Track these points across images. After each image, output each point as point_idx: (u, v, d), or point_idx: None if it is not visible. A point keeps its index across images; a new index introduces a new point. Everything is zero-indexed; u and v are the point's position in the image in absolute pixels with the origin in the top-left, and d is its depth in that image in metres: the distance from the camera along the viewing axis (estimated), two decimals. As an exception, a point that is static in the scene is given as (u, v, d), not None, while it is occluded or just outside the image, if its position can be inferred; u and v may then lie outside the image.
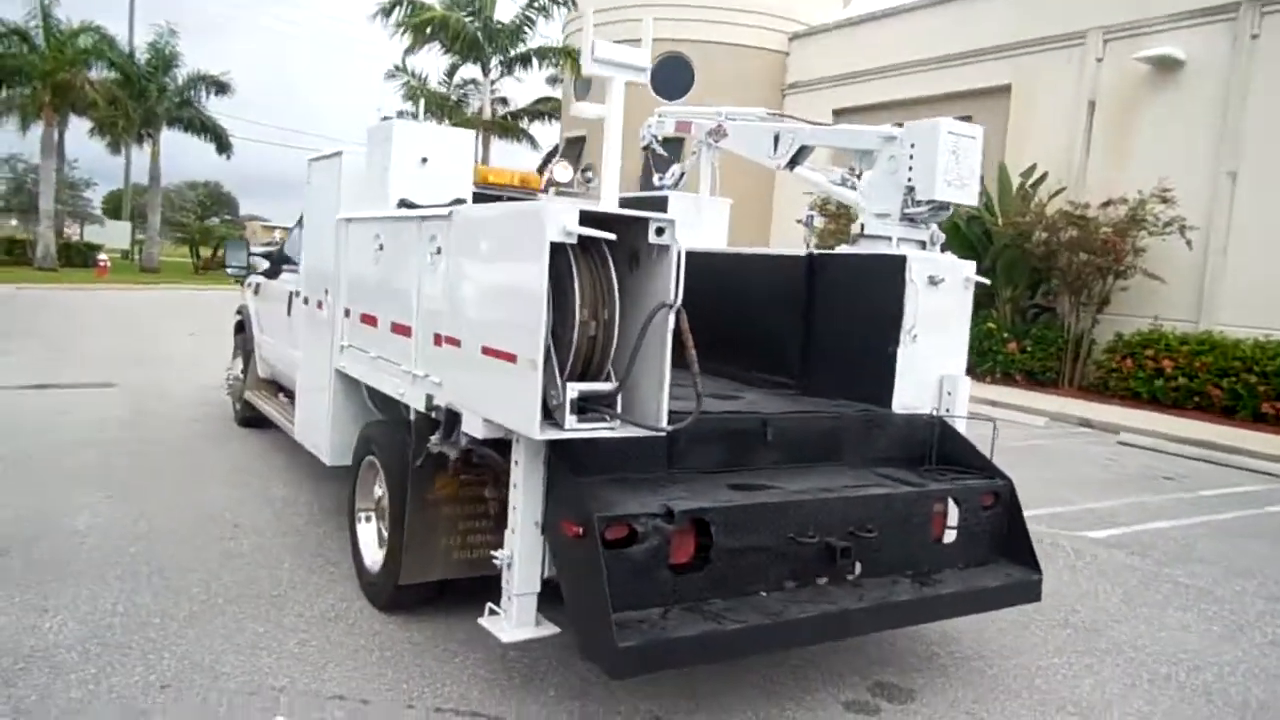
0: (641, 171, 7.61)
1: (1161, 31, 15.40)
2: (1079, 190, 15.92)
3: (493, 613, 3.45)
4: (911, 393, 4.28)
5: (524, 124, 29.82)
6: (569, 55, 20.74)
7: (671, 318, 3.13)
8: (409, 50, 25.23)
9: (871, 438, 4.21)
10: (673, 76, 22.70)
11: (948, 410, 4.34)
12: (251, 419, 8.13)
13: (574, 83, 24.64)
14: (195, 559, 4.88)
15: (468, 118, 26.86)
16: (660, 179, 6.88)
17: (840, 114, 21.71)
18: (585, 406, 3.09)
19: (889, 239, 4.53)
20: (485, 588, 3.62)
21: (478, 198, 4.94)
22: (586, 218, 2.97)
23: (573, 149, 23.12)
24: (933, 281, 4.24)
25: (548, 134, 30.64)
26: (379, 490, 4.52)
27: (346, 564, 4.82)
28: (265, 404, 7.44)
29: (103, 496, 5.89)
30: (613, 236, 3.02)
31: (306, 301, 5.57)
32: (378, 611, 4.32)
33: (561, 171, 6.05)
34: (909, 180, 4.47)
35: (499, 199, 4.98)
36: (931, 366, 4.33)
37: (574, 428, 3.06)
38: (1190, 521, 7.36)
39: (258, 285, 7.95)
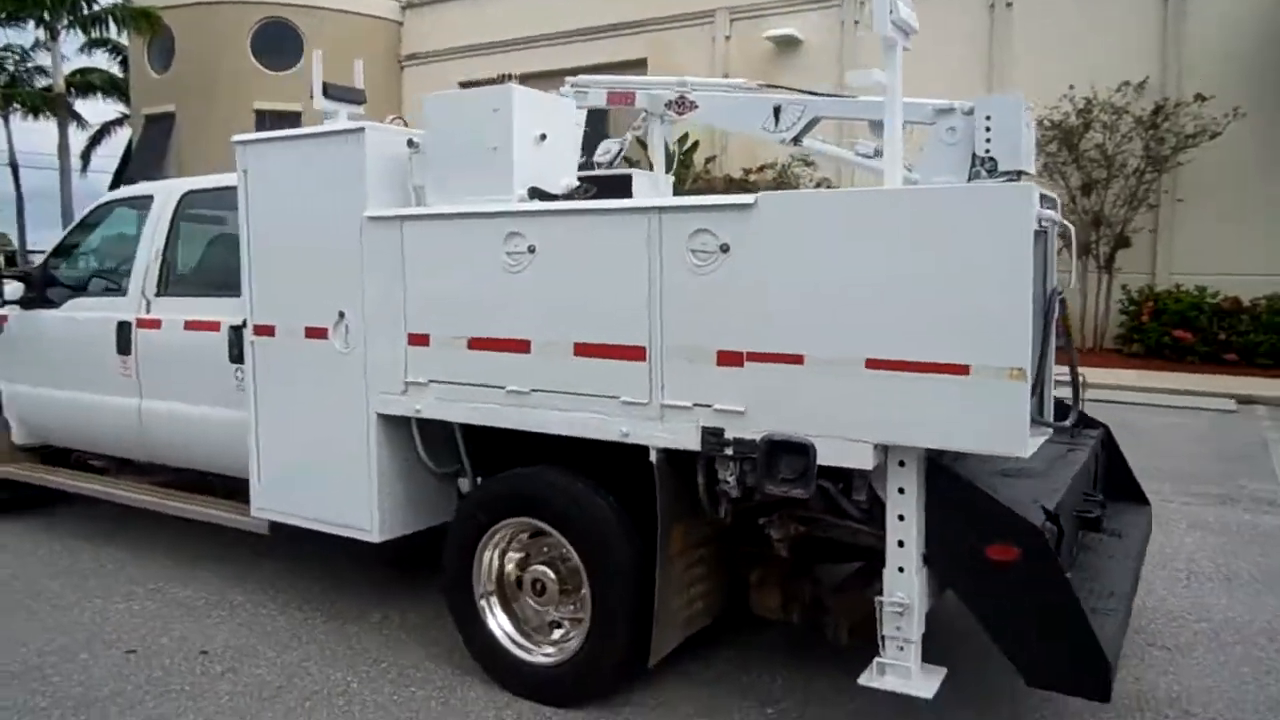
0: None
1: (781, 14, 17.31)
2: (726, 159, 17.41)
3: (883, 669, 2.95)
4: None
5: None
6: (147, 17, 17.40)
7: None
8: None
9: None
10: (278, 44, 20.36)
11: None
12: (9, 500, 5.91)
13: (146, 50, 20.93)
14: None
15: (23, 91, 21.24)
16: (588, 157, 6.18)
17: (469, 87, 21.21)
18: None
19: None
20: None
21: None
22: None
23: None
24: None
25: (98, 110, 25.60)
26: (540, 565, 3.57)
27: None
28: (74, 480, 5.44)
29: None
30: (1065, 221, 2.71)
31: (273, 333, 4.13)
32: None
33: (603, 151, 5.19)
34: (987, 151, 4.55)
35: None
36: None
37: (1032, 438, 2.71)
38: None
39: (2, 323, 5.74)
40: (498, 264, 3.46)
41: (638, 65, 18.89)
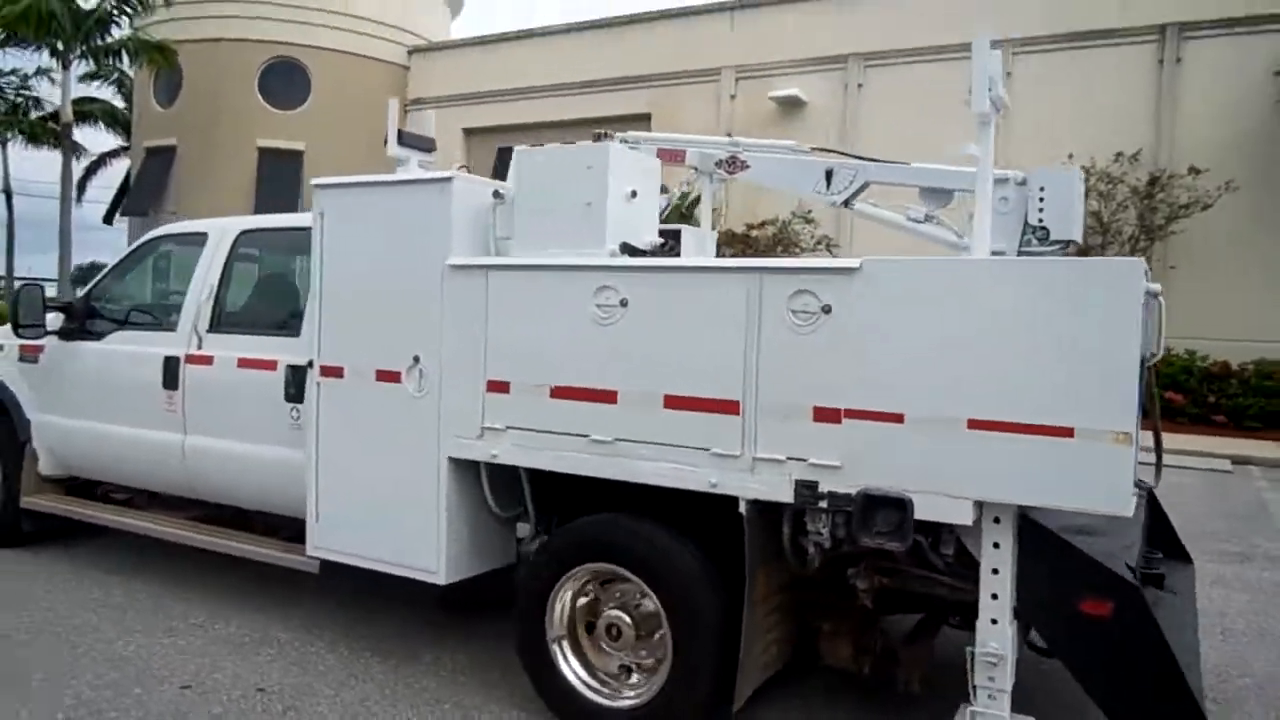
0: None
1: (786, 75, 17.73)
2: (726, 213, 17.65)
3: (975, 717, 2.99)
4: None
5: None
6: (160, 50, 17.51)
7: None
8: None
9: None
10: (285, 83, 20.54)
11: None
12: (33, 532, 5.85)
13: (152, 83, 21.03)
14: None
15: (28, 121, 21.18)
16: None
17: (471, 133, 21.51)
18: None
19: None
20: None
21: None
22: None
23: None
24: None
25: (95, 140, 25.61)
26: (615, 610, 3.59)
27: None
28: (115, 515, 5.40)
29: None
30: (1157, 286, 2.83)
31: (341, 374, 4.15)
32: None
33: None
34: (1040, 221, 4.70)
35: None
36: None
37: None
38: None
39: (37, 353, 5.71)
40: (586, 316, 3.52)
41: (641, 120, 19.24)
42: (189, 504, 5.53)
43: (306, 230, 4.87)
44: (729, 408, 3.27)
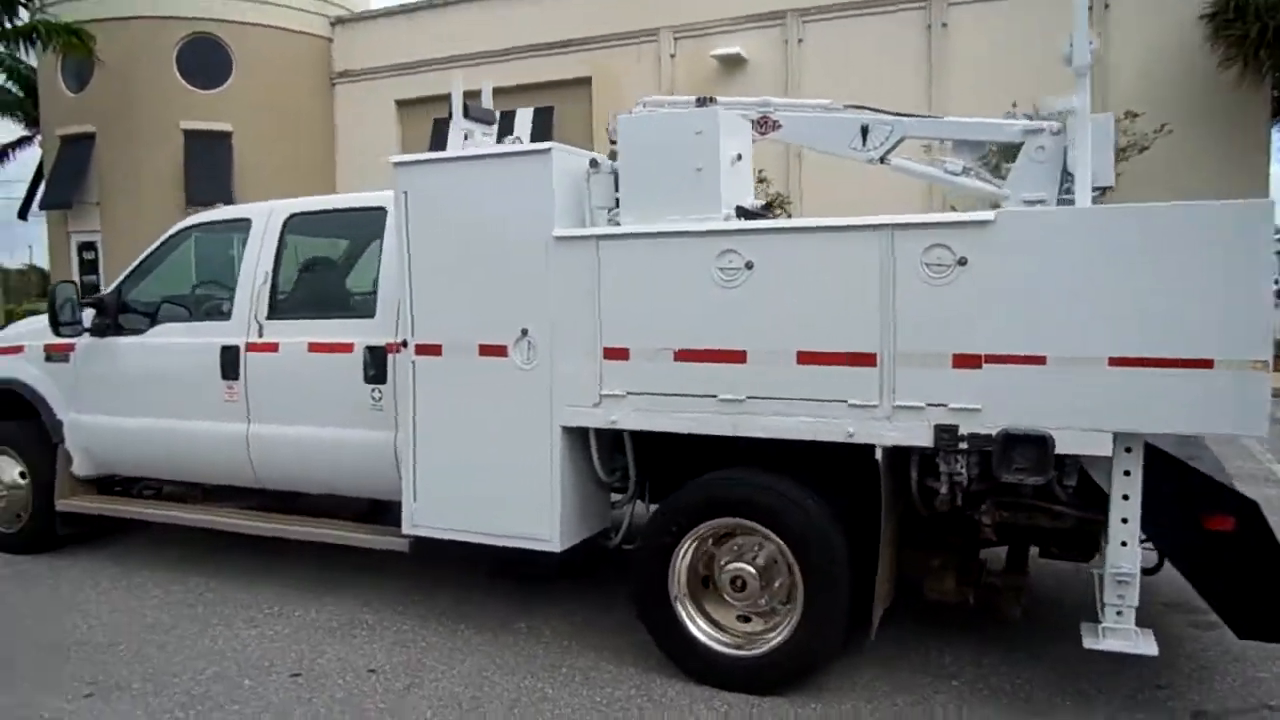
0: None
1: (726, 33, 17.79)
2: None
3: (1107, 633, 3.26)
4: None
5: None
6: (76, 34, 16.48)
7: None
8: None
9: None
10: (206, 61, 19.65)
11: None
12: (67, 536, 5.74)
13: (60, 68, 19.89)
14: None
15: None
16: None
17: (404, 105, 20.99)
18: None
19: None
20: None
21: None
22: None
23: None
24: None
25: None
26: (738, 564, 3.72)
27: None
28: (158, 509, 5.33)
29: None
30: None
31: (439, 352, 4.16)
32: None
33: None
34: (1079, 168, 4.95)
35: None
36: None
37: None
38: None
39: (67, 351, 5.53)
40: (709, 279, 3.61)
41: (583, 84, 19.10)
42: (232, 495, 5.48)
43: (365, 211, 4.84)
44: (865, 360, 3.41)
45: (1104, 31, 15.34)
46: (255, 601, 4.88)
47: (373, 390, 4.57)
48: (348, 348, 4.63)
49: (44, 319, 6.05)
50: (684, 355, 3.69)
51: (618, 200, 3.99)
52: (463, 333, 4.13)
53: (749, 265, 3.54)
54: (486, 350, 4.07)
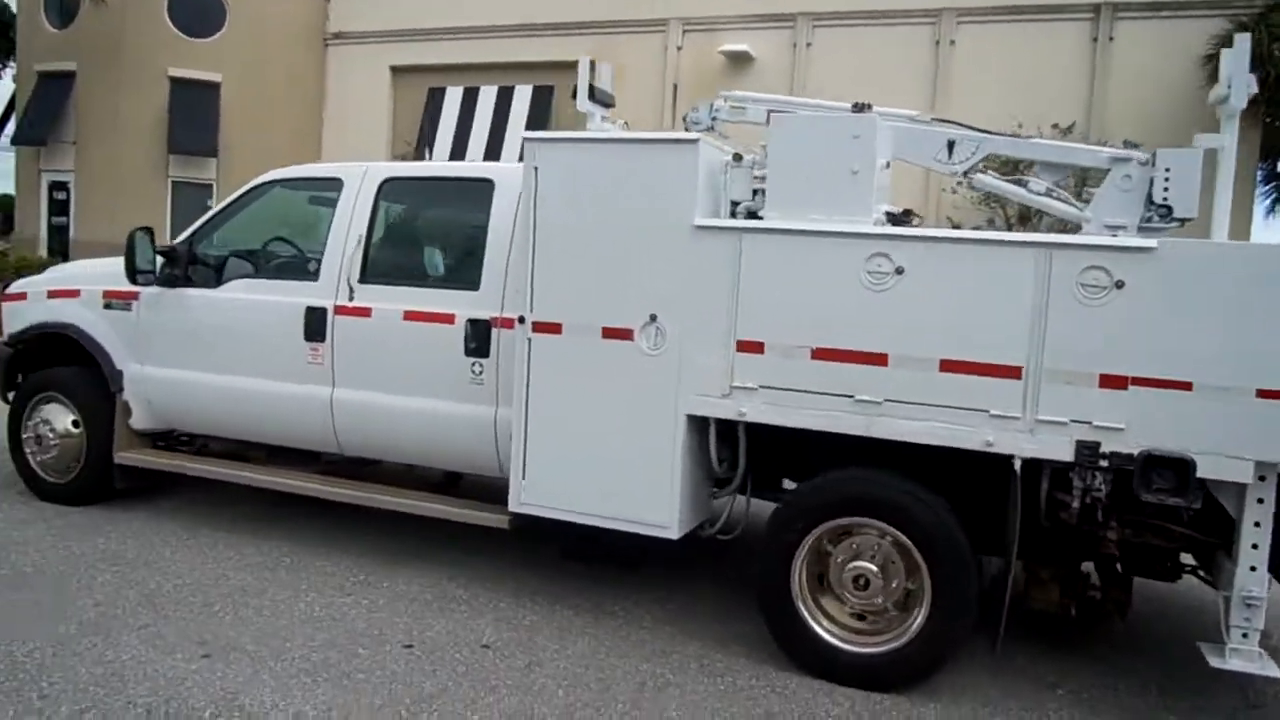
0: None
1: (735, 29, 17.85)
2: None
3: (1232, 654, 3.41)
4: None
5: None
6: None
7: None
8: None
9: None
10: (199, 9, 19.09)
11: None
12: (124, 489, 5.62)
13: (44, 2, 19.16)
14: None
15: None
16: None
17: (399, 72, 20.65)
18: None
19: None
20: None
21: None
22: None
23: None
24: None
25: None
26: (859, 562, 3.81)
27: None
28: (225, 468, 5.26)
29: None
30: None
31: (559, 331, 4.16)
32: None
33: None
34: (1165, 199, 5.12)
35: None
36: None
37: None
38: None
39: (130, 299, 5.40)
40: (855, 281, 3.69)
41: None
42: (293, 457, 5.41)
43: (469, 181, 4.82)
44: (1011, 373, 3.52)
45: (1105, 63, 15.80)
46: (337, 570, 4.83)
47: (473, 364, 4.55)
48: (448, 318, 4.61)
49: (100, 262, 5.91)
50: (822, 354, 3.77)
51: (753, 194, 4.04)
52: (585, 313, 4.14)
53: (899, 270, 3.63)
54: (610, 333, 4.09)
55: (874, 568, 3.82)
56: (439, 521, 4.77)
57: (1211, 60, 14.90)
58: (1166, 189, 4.98)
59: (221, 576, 4.67)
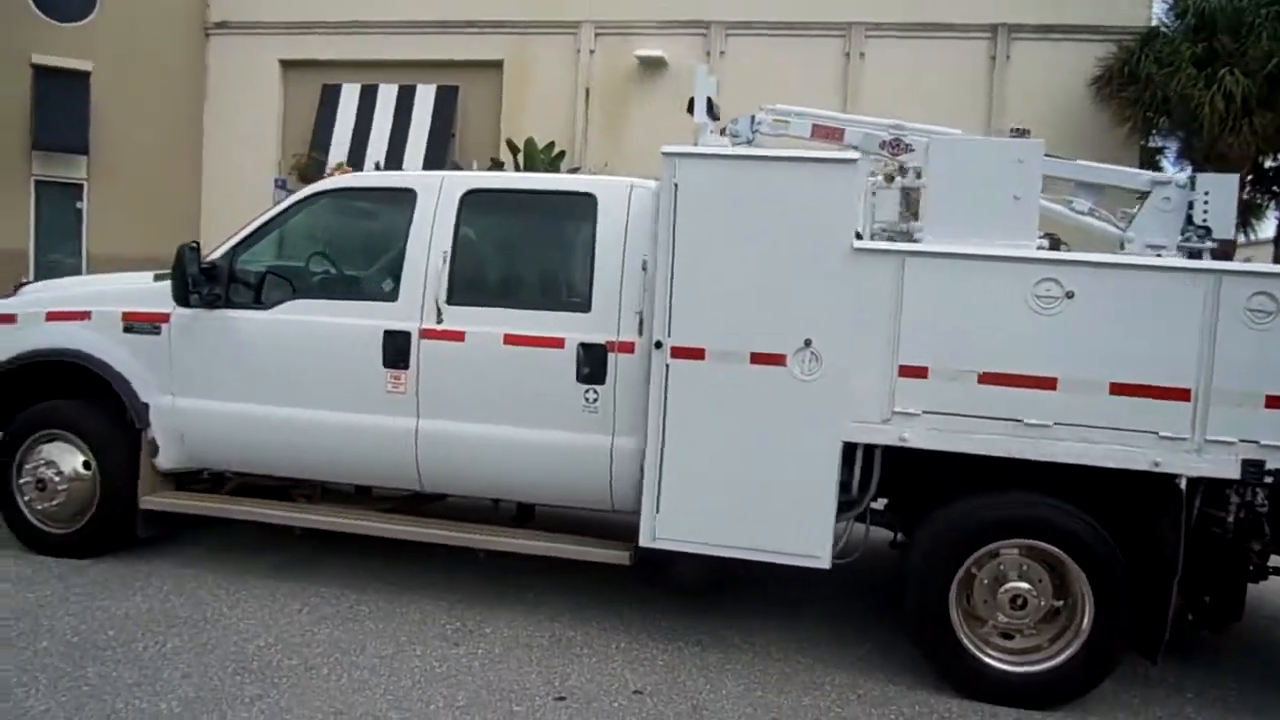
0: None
1: (648, 35, 17.85)
2: (586, 167, 17.60)
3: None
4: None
5: None
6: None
7: None
8: None
9: None
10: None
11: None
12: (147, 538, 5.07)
13: None
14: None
15: None
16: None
17: (289, 66, 19.56)
18: None
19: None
20: None
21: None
22: None
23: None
24: None
25: None
26: (1016, 583, 3.85)
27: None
28: (280, 510, 4.82)
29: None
30: None
31: (702, 356, 4.00)
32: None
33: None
34: (1204, 220, 5.44)
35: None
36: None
37: None
38: None
39: (158, 322, 4.86)
40: (1023, 305, 3.72)
41: (493, 67, 18.54)
42: (332, 494, 5.04)
43: (569, 195, 4.61)
44: (1179, 395, 3.64)
45: (1003, 80, 16.74)
46: (424, 616, 4.48)
47: (586, 390, 4.32)
48: (557, 342, 4.35)
49: (106, 278, 5.30)
50: (989, 378, 3.78)
51: (901, 215, 4.01)
52: (732, 338, 4.00)
53: (1069, 295, 3.68)
54: (760, 359, 3.97)
55: (1031, 588, 3.87)
56: (501, 556, 4.58)
57: (1098, 80, 16.09)
58: (1206, 211, 5.31)
59: (305, 632, 4.24)
